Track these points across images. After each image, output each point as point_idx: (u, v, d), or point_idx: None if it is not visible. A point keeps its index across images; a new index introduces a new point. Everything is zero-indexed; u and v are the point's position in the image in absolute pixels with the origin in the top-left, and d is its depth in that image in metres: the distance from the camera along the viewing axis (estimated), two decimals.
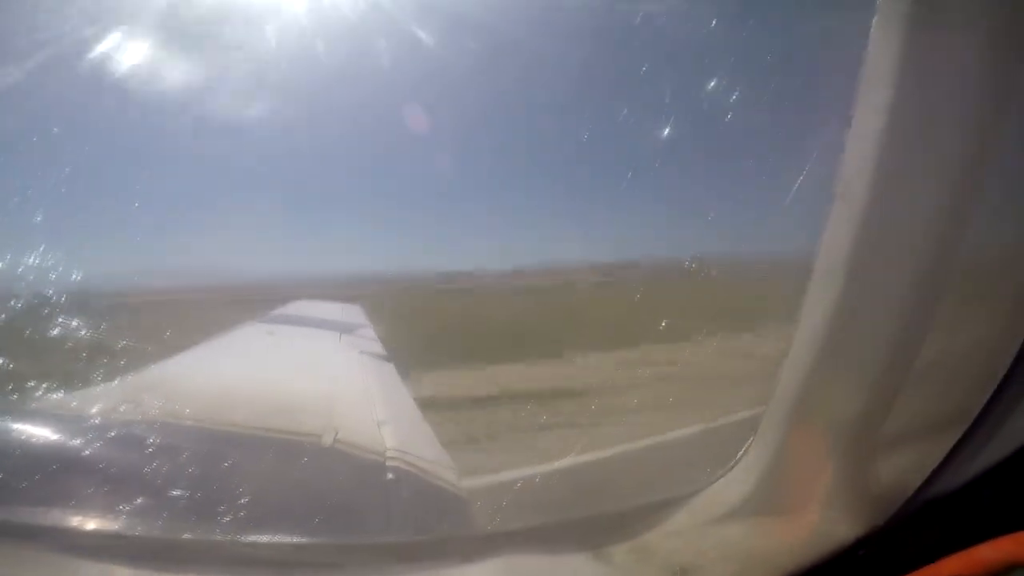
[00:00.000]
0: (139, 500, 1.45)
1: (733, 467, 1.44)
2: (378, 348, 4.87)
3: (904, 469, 1.23)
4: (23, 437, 1.74)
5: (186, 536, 1.36)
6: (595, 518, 1.67)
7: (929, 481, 1.09)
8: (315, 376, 3.52)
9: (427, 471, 2.14)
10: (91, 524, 1.41)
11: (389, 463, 2.13)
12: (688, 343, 7.86)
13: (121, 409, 2.22)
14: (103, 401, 2.27)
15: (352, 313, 7.03)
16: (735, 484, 1.39)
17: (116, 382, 2.70)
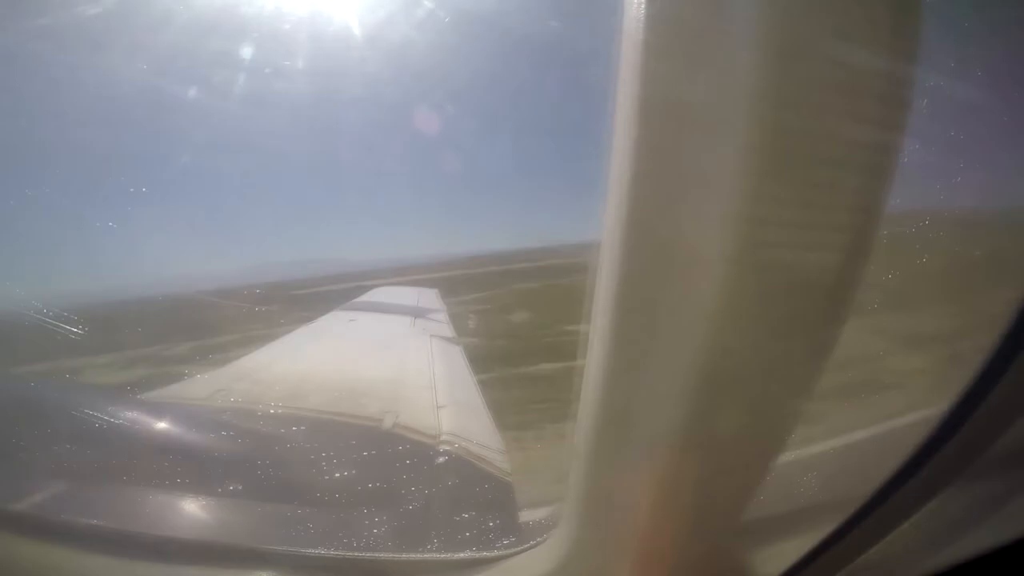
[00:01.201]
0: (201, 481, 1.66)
1: (538, 544, 1.21)
2: (448, 332, 5.07)
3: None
4: (125, 423, 2.04)
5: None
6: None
7: None
8: (384, 361, 3.75)
9: (477, 456, 2.20)
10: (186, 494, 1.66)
11: (442, 447, 2.24)
12: None
13: (213, 396, 2.53)
14: (198, 389, 2.60)
15: (427, 298, 7.35)
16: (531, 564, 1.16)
17: (215, 371, 3.08)
